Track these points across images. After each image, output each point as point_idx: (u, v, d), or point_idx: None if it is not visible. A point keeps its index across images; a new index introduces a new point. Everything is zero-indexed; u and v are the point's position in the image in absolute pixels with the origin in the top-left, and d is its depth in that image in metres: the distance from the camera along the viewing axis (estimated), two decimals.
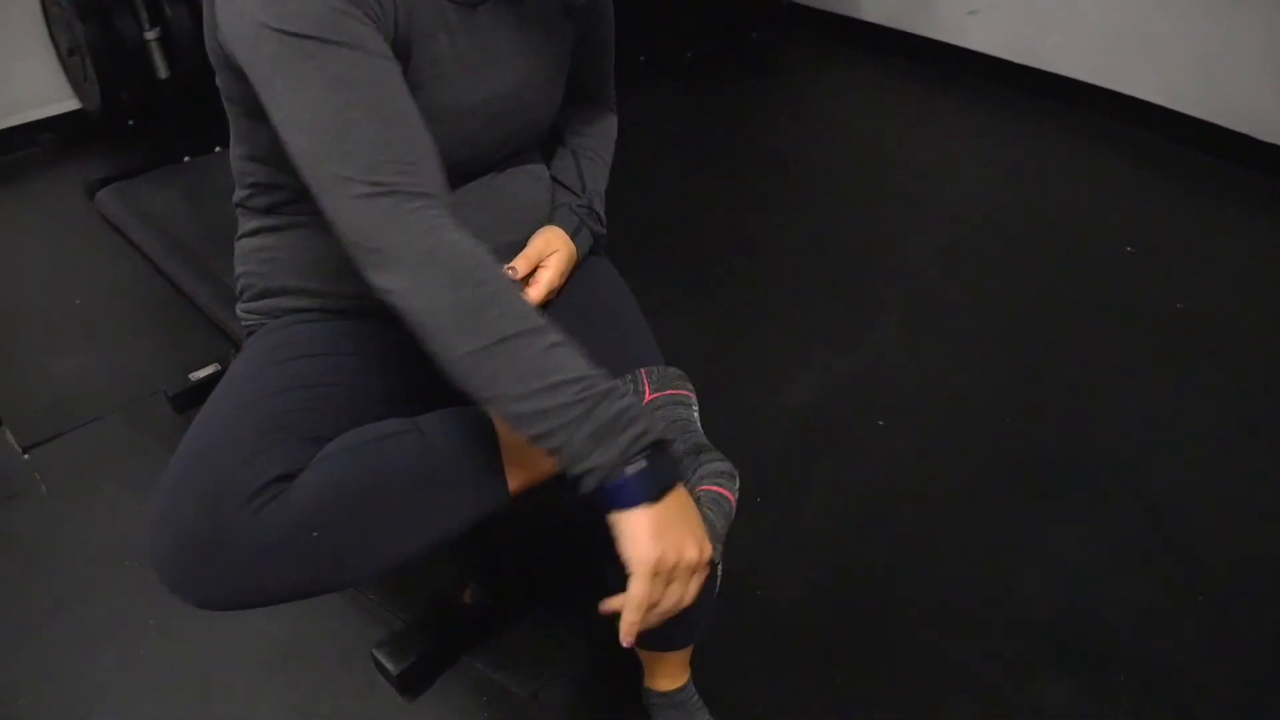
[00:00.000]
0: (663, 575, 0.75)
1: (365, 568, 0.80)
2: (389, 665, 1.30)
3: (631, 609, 0.75)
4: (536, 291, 1.01)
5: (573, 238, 1.06)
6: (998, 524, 1.56)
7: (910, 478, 1.66)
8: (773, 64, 3.49)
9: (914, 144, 2.89)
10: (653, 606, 0.76)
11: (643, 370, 0.96)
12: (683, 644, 1.13)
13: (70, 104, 2.81)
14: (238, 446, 0.77)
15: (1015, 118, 2.97)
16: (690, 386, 0.95)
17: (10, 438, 1.74)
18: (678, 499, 0.77)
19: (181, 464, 0.78)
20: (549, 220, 1.07)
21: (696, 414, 0.93)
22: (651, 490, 0.74)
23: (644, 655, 1.16)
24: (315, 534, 0.76)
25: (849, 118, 3.11)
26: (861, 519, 1.58)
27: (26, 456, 1.71)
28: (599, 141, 1.15)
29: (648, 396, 0.92)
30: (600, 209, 1.10)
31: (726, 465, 0.89)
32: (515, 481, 0.87)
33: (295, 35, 0.74)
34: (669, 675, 1.18)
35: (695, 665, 1.20)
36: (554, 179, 1.11)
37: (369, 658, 1.32)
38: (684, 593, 0.77)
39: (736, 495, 0.88)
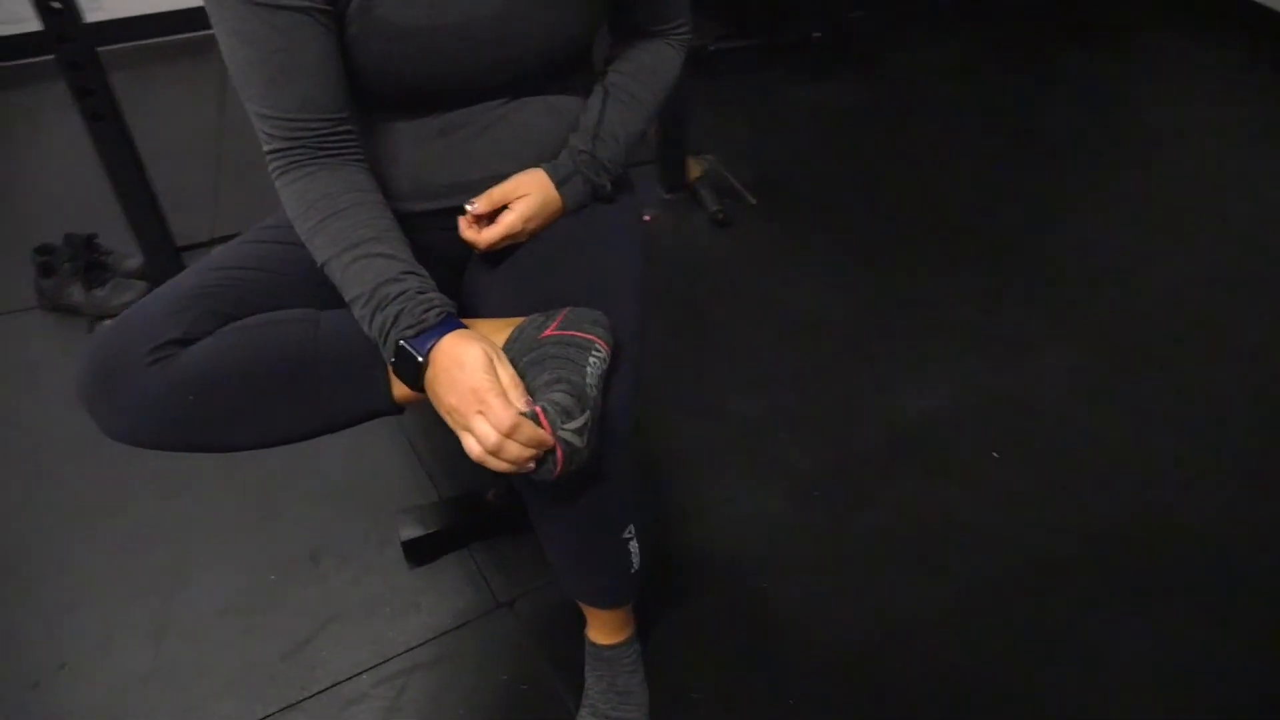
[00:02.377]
0: (453, 422, 0.83)
1: (236, 438, 0.89)
2: (400, 531, 1.42)
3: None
4: (489, 233, 1.00)
5: (559, 185, 1.03)
6: (1086, 619, 1.36)
7: (1003, 527, 1.48)
8: (1094, 27, 3.04)
9: (1230, 140, 2.42)
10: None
11: (566, 309, 0.93)
12: (599, 603, 1.13)
13: None
14: (158, 306, 0.89)
15: None
16: (604, 335, 0.90)
17: None
18: (434, 368, 0.84)
19: (123, 312, 0.90)
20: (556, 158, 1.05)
21: (595, 361, 0.88)
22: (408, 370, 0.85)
23: (582, 606, 1.17)
24: (191, 398, 0.85)
25: (1166, 103, 2.65)
26: (921, 559, 1.44)
27: None
28: (641, 81, 1.09)
29: (548, 331, 0.90)
30: (610, 156, 1.05)
31: (594, 314, 0.91)
32: (401, 390, 0.91)
33: None
34: (602, 630, 1.18)
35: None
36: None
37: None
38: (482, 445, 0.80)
39: (606, 340, 0.89)
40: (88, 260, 2.01)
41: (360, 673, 1.28)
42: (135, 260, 2.01)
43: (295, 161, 0.90)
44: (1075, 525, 1.47)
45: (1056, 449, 1.60)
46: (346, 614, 1.36)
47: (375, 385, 0.90)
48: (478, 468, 0.83)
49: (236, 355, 0.87)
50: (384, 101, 0.99)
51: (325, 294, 0.92)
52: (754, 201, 2.29)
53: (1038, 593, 1.37)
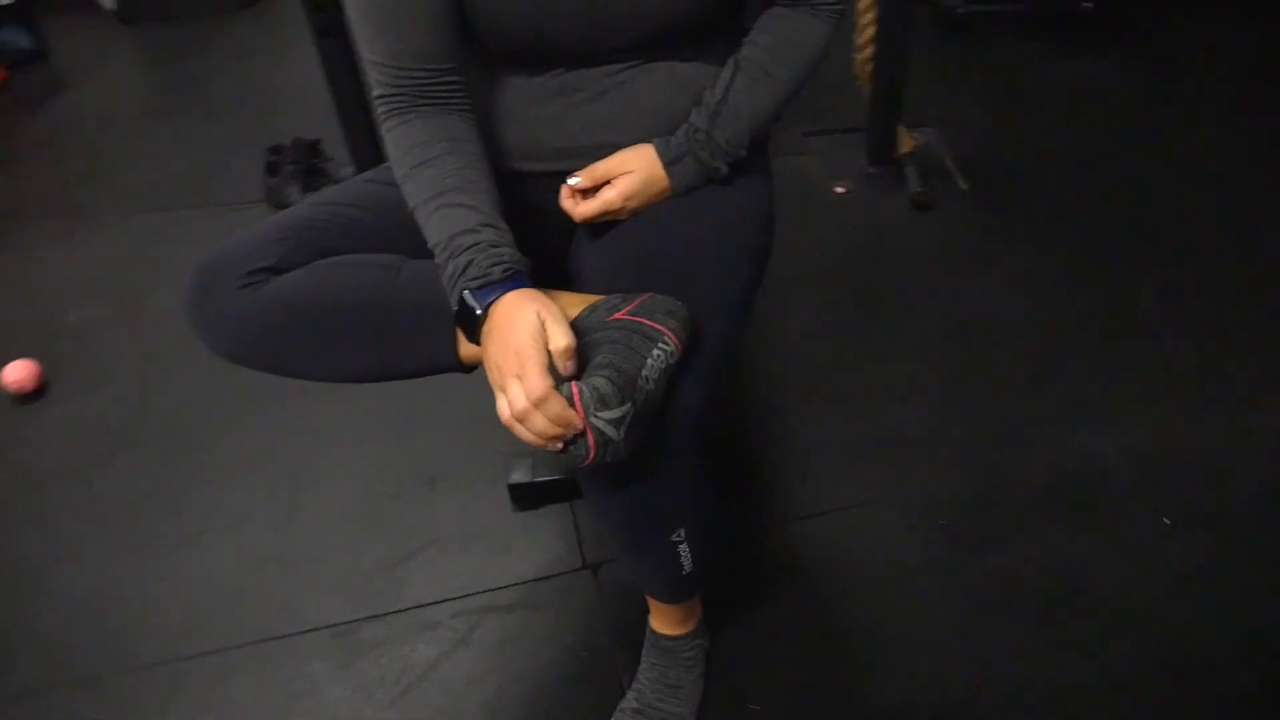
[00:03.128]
0: (493, 380, 0.82)
1: (312, 369, 0.92)
2: (510, 474, 1.45)
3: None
4: (585, 207, 0.97)
5: (668, 164, 0.97)
6: None
7: (1160, 609, 1.29)
8: None
9: None
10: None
11: (647, 295, 0.88)
12: (651, 594, 1.11)
13: None
14: (261, 233, 0.93)
15: None
16: (677, 330, 0.84)
17: None
18: (490, 323, 0.83)
19: (232, 235, 0.95)
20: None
21: (659, 354, 0.83)
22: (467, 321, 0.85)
23: (647, 595, 1.15)
24: (272, 324, 0.89)
25: None
26: (1050, 621, 1.29)
27: None
28: (776, 55, 0.99)
29: (619, 314, 0.85)
30: (730, 137, 0.97)
31: (673, 304, 0.86)
32: (468, 350, 0.91)
33: None
34: (661, 619, 1.16)
35: None
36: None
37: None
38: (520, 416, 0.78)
39: (679, 334, 0.84)
40: (309, 164, 2.18)
41: (441, 601, 1.33)
42: (348, 170, 2.16)
43: (397, 108, 0.91)
44: (1252, 627, 1.25)
45: (1247, 529, 1.37)
46: (446, 541, 1.41)
47: (442, 339, 0.90)
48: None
49: (318, 290, 0.90)
50: (504, 56, 0.97)
51: (419, 241, 0.93)
52: (965, 186, 2.09)
53: (1194, 698, 1.19)
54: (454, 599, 1.33)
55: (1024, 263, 1.88)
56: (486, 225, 0.86)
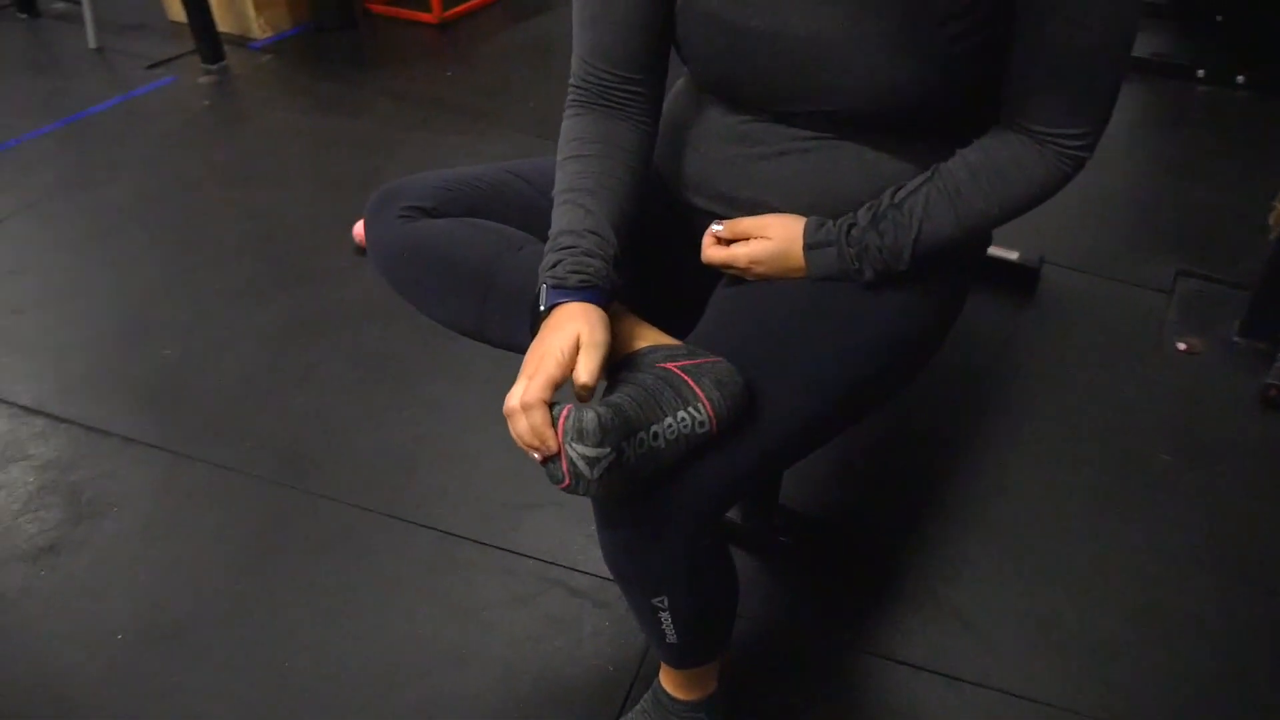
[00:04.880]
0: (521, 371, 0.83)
1: (426, 309, 1.01)
2: None
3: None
4: (713, 252, 0.95)
5: (808, 247, 0.91)
6: None
7: None
8: None
9: None
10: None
11: (716, 358, 0.84)
12: (663, 657, 1.07)
13: None
14: (435, 178, 1.03)
15: None
16: (718, 404, 0.80)
17: None
18: (547, 322, 0.84)
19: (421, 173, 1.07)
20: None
21: (684, 418, 0.79)
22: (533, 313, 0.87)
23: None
24: (403, 258, 1.00)
25: None
26: None
27: None
28: (978, 182, 0.88)
29: (671, 364, 0.83)
30: (888, 247, 0.89)
31: (732, 379, 0.82)
32: None
33: None
34: (665, 675, 1.12)
35: None
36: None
37: None
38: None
39: (717, 408, 0.80)
40: None
41: (529, 556, 1.41)
42: None
43: (578, 100, 0.96)
44: None
45: None
46: (567, 509, 1.48)
47: (523, 326, 0.95)
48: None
49: (444, 241, 0.98)
50: (704, 86, 0.97)
51: None
52: None
53: None
54: (540, 559, 1.41)
55: None
56: (592, 232, 0.88)
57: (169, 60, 2.96)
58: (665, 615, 0.95)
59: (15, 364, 1.78)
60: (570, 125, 0.96)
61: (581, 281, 0.85)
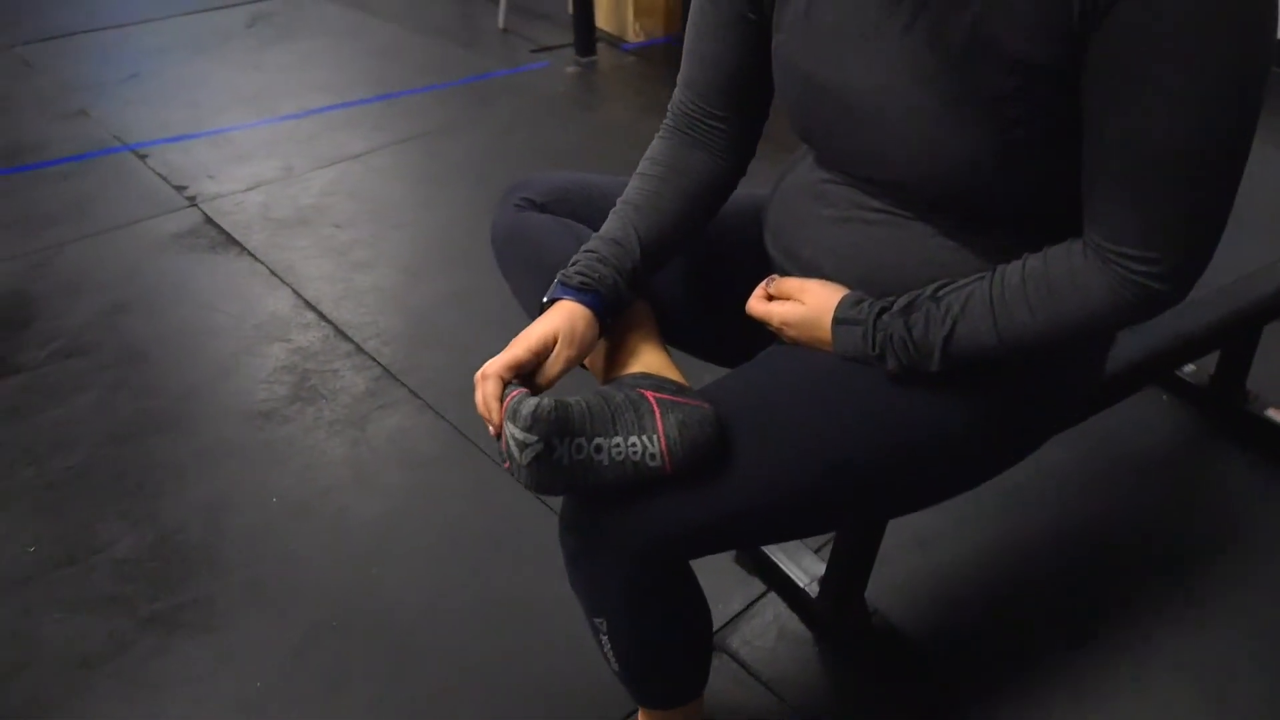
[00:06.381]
0: None
1: (516, 294, 1.08)
2: None
3: None
4: (753, 303, 0.94)
5: (837, 320, 0.85)
6: None
7: None
8: None
9: None
10: None
11: (700, 402, 0.82)
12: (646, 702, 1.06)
13: None
14: (557, 179, 1.10)
15: None
16: (674, 445, 0.79)
17: None
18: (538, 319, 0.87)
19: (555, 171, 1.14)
20: (891, 292, 0.86)
21: (634, 444, 0.79)
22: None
23: None
24: (501, 241, 1.08)
25: None
26: None
27: None
28: (1028, 292, 0.78)
29: (649, 392, 0.83)
30: (916, 340, 0.81)
31: (701, 424, 0.80)
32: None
33: None
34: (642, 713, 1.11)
35: None
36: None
37: None
38: None
39: (671, 445, 0.79)
40: None
41: None
42: None
43: (668, 124, 0.98)
44: None
45: None
46: None
47: None
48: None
49: (540, 235, 1.05)
50: (797, 134, 0.95)
51: None
52: None
53: None
54: None
55: None
56: (616, 242, 0.91)
57: (551, 48, 3.35)
58: (605, 639, 0.96)
59: (318, 265, 2.15)
60: (653, 145, 0.99)
61: (582, 283, 0.88)
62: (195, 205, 2.38)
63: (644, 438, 0.80)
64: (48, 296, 2.04)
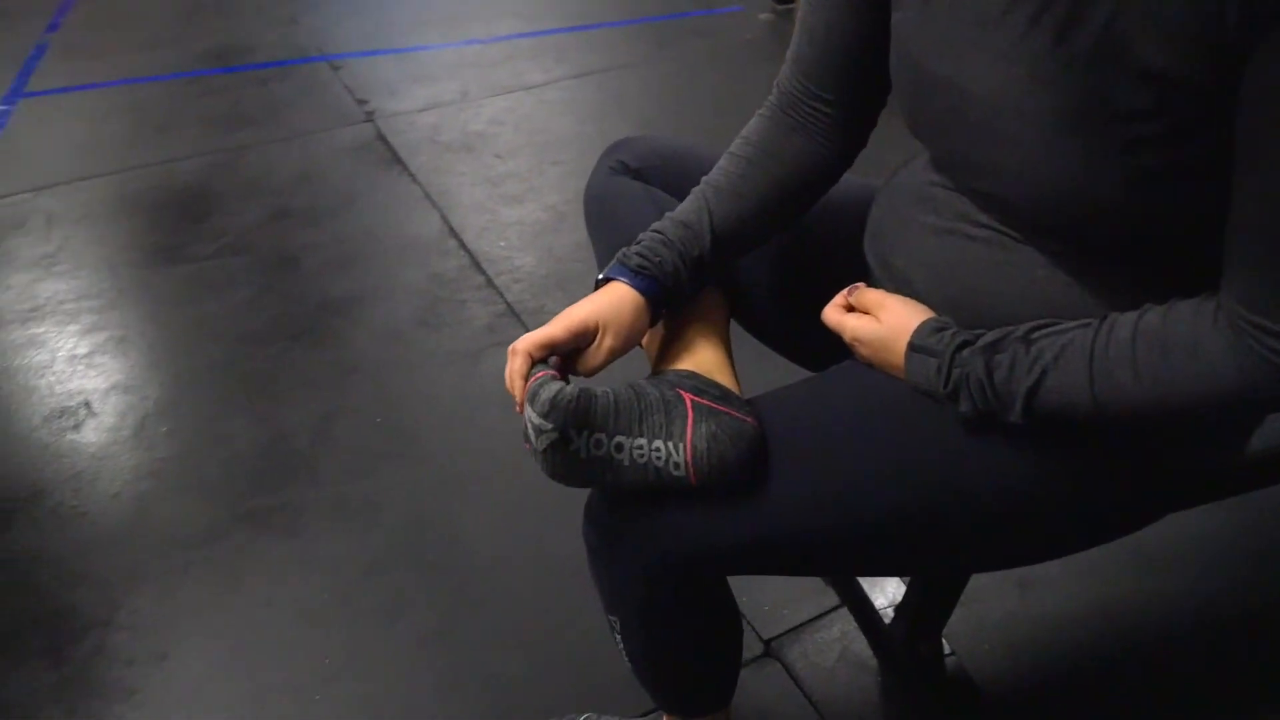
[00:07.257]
0: None
1: (596, 256, 1.04)
2: None
3: None
4: (827, 312, 0.84)
5: (912, 347, 0.75)
6: None
7: None
8: None
9: None
10: None
11: (749, 418, 0.76)
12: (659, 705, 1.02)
13: None
14: (657, 144, 1.04)
15: None
16: (700, 449, 0.74)
17: None
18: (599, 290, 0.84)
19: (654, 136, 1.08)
20: (978, 324, 0.74)
21: (658, 448, 0.74)
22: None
23: None
24: (590, 201, 1.03)
25: None
26: None
27: None
28: (1136, 350, 0.65)
29: (686, 393, 0.78)
30: (997, 383, 0.70)
31: (740, 435, 0.75)
32: None
33: None
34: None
35: None
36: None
37: None
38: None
39: (696, 456, 0.74)
40: None
41: None
42: None
43: (770, 103, 0.90)
44: None
45: None
46: None
47: None
48: None
49: (627, 201, 0.99)
50: (909, 129, 0.84)
51: None
52: None
53: None
54: None
55: None
56: (688, 227, 0.85)
57: None
58: (618, 637, 0.91)
59: (470, 194, 2.19)
60: (751, 122, 0.91)
61: (640, 266, 0.83)
62: (372, 120, 2.46)
63: (669, 444, 0.75)
64: (226, 194, 2.18)
